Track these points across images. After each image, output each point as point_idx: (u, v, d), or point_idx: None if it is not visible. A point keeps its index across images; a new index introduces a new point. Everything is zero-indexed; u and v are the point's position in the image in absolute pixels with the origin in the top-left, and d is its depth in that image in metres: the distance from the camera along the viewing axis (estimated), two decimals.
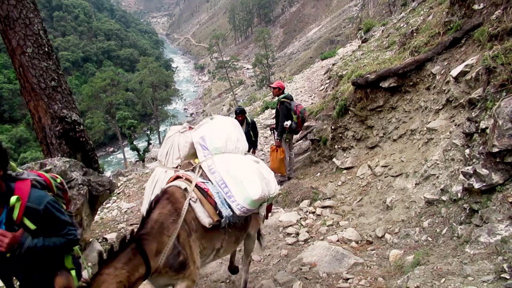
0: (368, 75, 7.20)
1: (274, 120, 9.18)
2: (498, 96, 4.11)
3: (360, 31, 20.36)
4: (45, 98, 5.87)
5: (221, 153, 3.77)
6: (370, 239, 5.24)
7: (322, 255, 4.86)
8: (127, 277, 2.52)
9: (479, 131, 4.16)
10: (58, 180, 3.02)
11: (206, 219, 3.15)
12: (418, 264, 3.80)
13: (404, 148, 6.43)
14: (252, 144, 8.70)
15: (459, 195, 4.26)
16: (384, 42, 12.38)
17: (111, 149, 57.27)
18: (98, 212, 8.07)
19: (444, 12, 6.79)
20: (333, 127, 8.35)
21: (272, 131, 9.42)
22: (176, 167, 3.94)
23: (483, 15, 5.42)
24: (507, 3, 4.83)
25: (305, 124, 9.43)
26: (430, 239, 4.32)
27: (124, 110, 52.47)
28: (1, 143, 2.42)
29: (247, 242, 4.16)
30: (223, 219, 3.24)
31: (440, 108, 5.82)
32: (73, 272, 2.74)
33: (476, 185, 3.79)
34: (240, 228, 3.59)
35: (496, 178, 3.67)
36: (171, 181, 3.44)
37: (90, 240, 5.65)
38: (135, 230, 2.80)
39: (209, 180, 3.51)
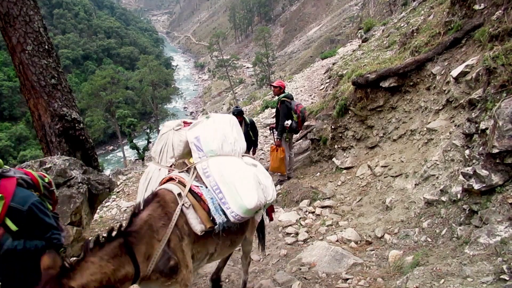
0: (369, 75, 7.19)
1: (274, 119, 9.16)
2: (498, 97, 4.10)
3: (360, 31, 20.31)
4: (45, 96, 5.87)
5: (217, 156, 3.61)
6: (369, 239, 5.24)
7: (321, 255, 4.86)
8: (113, 270, 2.39)
9: (479, 132, 4.16)
10: (46, 180, 2.94)
11: (198, 226, 3.04)
12: (417, 265, 3.80)
13: (404, 148, 6.43)
14: (253, 144, 8.69)
15: (458, 196, 4.26)
16: (385, 42, 12.36)
17: (111, 147, 57.23)
18: (98, 210, 8.07)
19: (444, 12, 6.79)
20: (333, 127, 8.34)
21: (271, 131, 9.40)
22: (170, 166, 3.82)
23: (484, 16, 5.42)
24: (508, 4, 4.82)
25: (305, 123, 9.43)
26: (429, 239, 4.32)
27: (124, 108, 52.44)
28: None
29: (244, 244, 4.10)
30: (217, 225, 3.13)
31: (440, 108, 5.82)
32: None
33: (476, 186, 3.79)
34: (235, 232, 3.47)
35: (496, 179, 3.67)
36: (164, 183, 3.35)
37: (90, 238, 5.64)
38: (124, 225, 2.68)
39: (204, 183, 3.38)
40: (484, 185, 3.73)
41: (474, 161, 4.06)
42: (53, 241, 2.54)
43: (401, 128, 6.73)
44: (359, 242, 5.26)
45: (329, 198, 6.96)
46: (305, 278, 4.54)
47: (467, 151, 4.33)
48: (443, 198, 4.56)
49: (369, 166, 6.93)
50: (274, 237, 6.01)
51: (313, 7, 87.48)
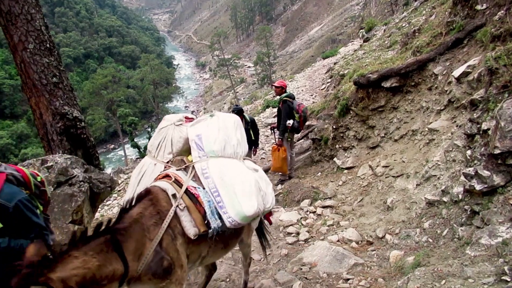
0: (370, 75, 7.18)
1: (275, 118, 9.15)
2: (500, 98, 4.10)
3: (362, 30, 20.29)
4: (47, 95, 5.86)
5: (218, 157, 3.49)
6: (370, 239, 5.23)
7: (322, 255, 4.86)
8: (98, 266, 2.27)
9: (481, 132, 4.15)
10: (39, 178, 2.83)
11: (192, 230, 2.93)
12: (418, 265, 3.79)
13: (405, 148, 6.42)
14: (253, 143, 8.55)
15: (460, 196, 4.25)
16: (386, 42, 12.35)
17: (112, 146, 57.30)
18: (99, 209, 8.07)
19: (446, 12, 6.78)
20: (334, 127, 8.34)
21: (272, 130, 9.39)
22: (167, 162, 3.65)
23: (486, 16, 5.41)
24: (510, 4, 4.82)
25: (306, 123, 9.43)
26: (430, 240, 4.31)
27: (125, 107, 52.60)
28: None
29: (242, 246, 4.05)
30: (211, 230, 3.03)
31: (441, 108, 5.81)
32: None
33: (477, 187, 3.78)
34: (229, 236, 3.36)
35: (497, 179, 3.66)
36: (159, 179, 3.24)
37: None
38: (112, 220, 2.58)
39: (201, 184, 3.27)
40: (485, 185, 3.73)
41: (475, 161, 4.06)
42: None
43: (403, 128, 6.72)
44: (360, 242, 5.26)
45: (330, 198, 6.96)
46: (306, 278, 4.54)
47: (468, 152, 4.33)
48: (445, 199, 4.56)
49: (370, 166, 6.92)
50: (275, 237, 6.00)
51: (315, 6, 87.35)
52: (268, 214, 4.24)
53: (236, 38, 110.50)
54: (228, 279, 4.93)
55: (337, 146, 8.31)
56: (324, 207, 6.64)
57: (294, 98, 8.50)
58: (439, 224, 4.40)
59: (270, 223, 4.53)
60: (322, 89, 19.75)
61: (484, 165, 3.83)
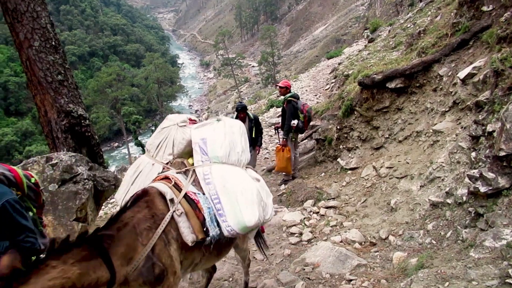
0: (375, 75, 7.17)
1: (279, 118, 9.13)
2: (506, 99, 4.08)
3: (366, 31, 20.28)
4: (52, 92, 5.90)
5: (221, 163, 3.39)
6: (373, 240, 5.22)
7: (325, 255, 4.85)
8: (79, 275, 2.13)
9: (486, 134, 4.13)
10: (33, 180, 2.71)
11: (189, 236, 2.83)
12: (422, 267, 3.78)
13: (409, 149, 6.40)
14: (255, 142, 8.22)
15: (464, 198, 4.23)
16: (391, 42, 12.33)
17: (116, 144, 57.51)
18: (103, 207, 8.10)
19: (452, 13, 6.75)
20: (338, 127, 8.33)
21: (276, 130, 9.37)
22: (167, 164, 3.54)
23: (492, 17, 5.38)
24: None
25: (311, 123, 9.41)
26: (434, 242, 4.30)
27: (129, 105, 52.79)
28: None
29: (238, 251, 4.00)
30: (209, 237, 2.94)
31: (446, 110, 5.79)
32: None
33: (482, 189, 3.76)
34: (224, 243, 3.26)
35: (502, 182, 3.64)
36: (157, 181, 3.13)
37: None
38: (101, 227, 2.48)
39: (201, 189, 3.18)
40: (490, 188, 3.71)
41: (480, 163, 4.04)
42: (25, 244, 2.33)
43: (407, 129, 6.70)
44: (363, 243, 5.24)
45: (333, 198, 6.94)
46: (308, 278, 4.53)
47: (473, 154, 4.31)
48: (449, 200, 4.54)
49: (374, 167, 6.90)
50: (278, 237, 6.01)
51: (319, 6, 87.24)
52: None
53: (241, 37, 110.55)
54: (230, 279, 4.93)
55: (341, 146, 8.30)
56: (327, 207, 6.63)
57: (298, 98, 8.47)
58: (443, 226, 4.39)
59: (263, 231, 4.45)
60: (326, 89, 19.74)
61: (489, 167, 3.81)
